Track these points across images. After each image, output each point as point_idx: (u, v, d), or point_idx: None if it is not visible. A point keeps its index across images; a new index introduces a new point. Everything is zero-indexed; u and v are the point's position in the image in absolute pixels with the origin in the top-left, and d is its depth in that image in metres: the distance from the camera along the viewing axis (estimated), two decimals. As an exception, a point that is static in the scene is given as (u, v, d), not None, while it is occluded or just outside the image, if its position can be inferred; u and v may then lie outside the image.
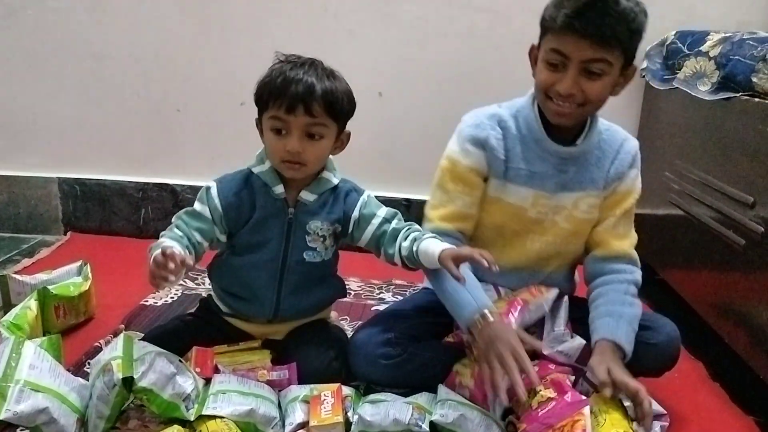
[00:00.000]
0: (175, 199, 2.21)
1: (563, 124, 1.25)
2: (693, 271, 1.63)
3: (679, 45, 1.77)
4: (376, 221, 1.30)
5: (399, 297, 1.81)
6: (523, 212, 1.32)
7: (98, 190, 2.24)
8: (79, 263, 1.63)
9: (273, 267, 1.29)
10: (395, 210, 1.33)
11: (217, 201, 1.26)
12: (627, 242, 1.34)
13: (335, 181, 1.31)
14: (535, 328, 1.30)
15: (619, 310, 1.25)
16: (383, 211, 1.31)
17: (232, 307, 1.36)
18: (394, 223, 1.30)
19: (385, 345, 1.27)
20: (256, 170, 1.28)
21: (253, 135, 2.19)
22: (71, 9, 2.09)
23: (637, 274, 1.33)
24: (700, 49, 1.63)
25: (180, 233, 1.24)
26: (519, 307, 1.23)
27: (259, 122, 1.28)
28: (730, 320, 1.42)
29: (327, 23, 2.07)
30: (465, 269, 1.20)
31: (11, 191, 2.25)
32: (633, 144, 1.35)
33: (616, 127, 1.35)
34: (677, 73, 1.74)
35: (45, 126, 2.20)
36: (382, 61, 2.10)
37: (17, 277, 1.52)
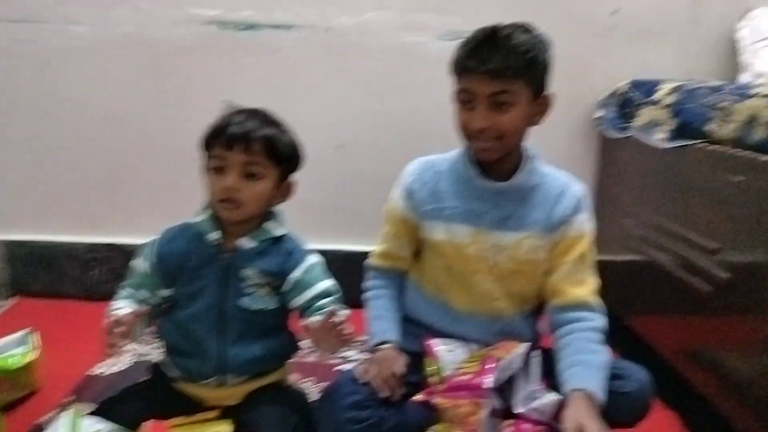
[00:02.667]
0: (126, 259, 2.07)
1: (488, 159, 1.28)
2: (659, 317, 1.62)
3: (633, 94, 1.80)
4: (312, 292, 1.27)
5: (365, 354, 1.75)
6: (464, 249, 1.32)
7: (46, 251, 2.14)
8: (23, 332, 1.53)
9: (212, 315, 1.25)
10: (337, 288, 1.30)
11: (153, 254, 1.27)
12: (586, 289, 1.31)
13: (277, 232, 1.29)
14: (507, 384, 1.26)
15: (587, 359, 1.23)
16: (324, 285, 1.29)
17: (180, 367, 1.30)
18: (325, 301, 1.27)
19: (352, 408, 1.21)
20: (193, 220, 1.28)
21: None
22: (18, 67, 2.03)
23: (600, 321, 1.30)
24: (654, 98, 1.67)
25: (127, 292, 1.28)
26: (493, 366, 1.18)
27: (205, 169, 1.27)
28: (700, 367, 1.41)
29: (284, 78, 2.06)
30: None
31: (-49, 256, 2.14)
32: (578, 188, 1.34)
33: (562, 172, 1.37)
34: (632, 122, 1.76)
35: (-10, 186, 2.11)
36: (342, 115, 2.09)
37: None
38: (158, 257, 1.27)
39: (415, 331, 1.39)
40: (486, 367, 1.19)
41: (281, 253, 1.28)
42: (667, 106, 1.59)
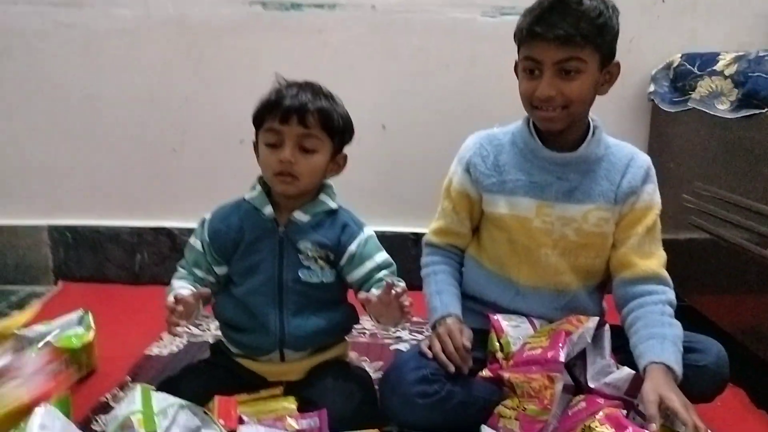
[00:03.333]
0: (172, 242, 2.12)
1: (553, 129, 1.25)
2: (725, 294, 1.57)
3: (688, 67, 1.75)
4: (370, 264, 1.28)
5: (416, 335, 1.73)
6: (529, 223, 1.30)
7: (91, 236, 2.14)
8: (79, 313, 1.53)
9: (270, 288, 1.25)
10: (391, 261, 1.31)
11: (205, 231, 1.28)
12: (655, 261, 1.28)
13: (332, 205, 1.29)
14: (575, 359, 1.23)
15: (661, 332, 1.19)
16: (380, 258, 1.29)
17: (239, 343, 1.30)
18: (382, 274, 1.27)
19: (420, 382, 1.19)
20: (247, 196, 1.30)
21: (253, 173, 2.13)
22: (62, 51, 2.02)
23: (671, 294, 1.27)
24: (714, 68, 1.62)
25: (184, 272, 1.30)
26: (564, 340, 1.15)
27: (256, 145, 1.28)
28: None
29: (327, 58, 2.03)
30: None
31: (-2, 241, 2.15)
32: (644, 158, 1.31)
33: (624, 143, 1.34)
34: (689, 95, 1.72)
35: (34, 171, 2.11)
36: (384, 95, 2.06)
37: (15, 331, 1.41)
38: (211, 234, 1.27)
39: (476, 308, 1.37)
40: (557, 341, 1.17)
41: (336, 226, 1.28)
42: (729, 75, 1.54)
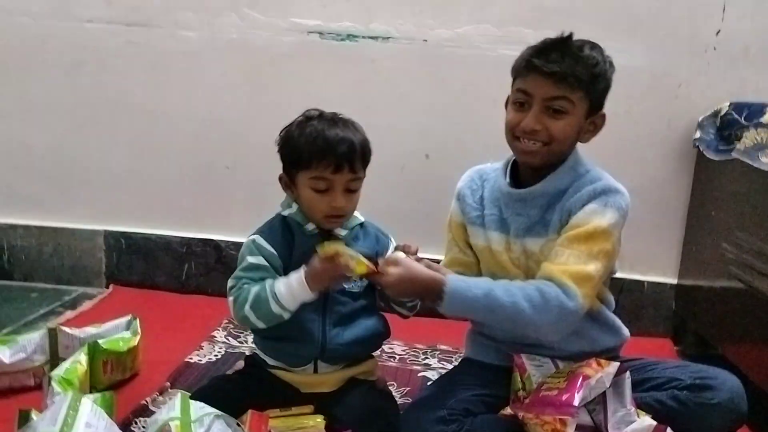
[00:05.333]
0: (218, 254, 2.21)
1: (531, 163, 1.29)
2: (758, 347, 1.56)
3: (736, 116, 1.75)
4: None
5: (445, 363, 1.77)
6: (500, 256, 1.34)
7: (143, 243, 2.25)
8: (128, 317, 1.62)
9: (317, 299, 1.29)
10: None
11: (269, 248, 1.30)
12: (559, 270, 1.20)
13: (361, 218, 1.38)
14: (596, 405, 1.24)
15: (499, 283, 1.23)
16: None
17: (281, 352, 1.34)
18: None
19: (438, 423, 1.21)
20: (286, 213, 1.34)
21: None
22: (130, 67, 2.15)
23: (559, 297, 1.17)
24: (761, 120, 1.62)
25: (255, 284, 1.29)
26: (581, 384, 1.17)
27: (286, 177, 1.34)
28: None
29: (377, 87, 2.10)
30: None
31: (57, 243, 2.27)
32: (605, 185, 1.25)
33: (602, 174, 1.30)
34: (734, 144, 1.72)
35: (95, 179, 2.24)
36: (430, 125, 2.11)
37: (66, 329, 1.51)
38: (276, 249, 1.31)
39: (493, 344, 1.39)
40: (574, 384, 1.18)
41: (370, 237, 1.38)
42: (775, 129, 1.54)
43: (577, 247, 1.21)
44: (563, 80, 1.20)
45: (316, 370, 1.34)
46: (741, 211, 1.68)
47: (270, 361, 1.37)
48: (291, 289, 1.24)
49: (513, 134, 1.27)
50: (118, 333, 1.54)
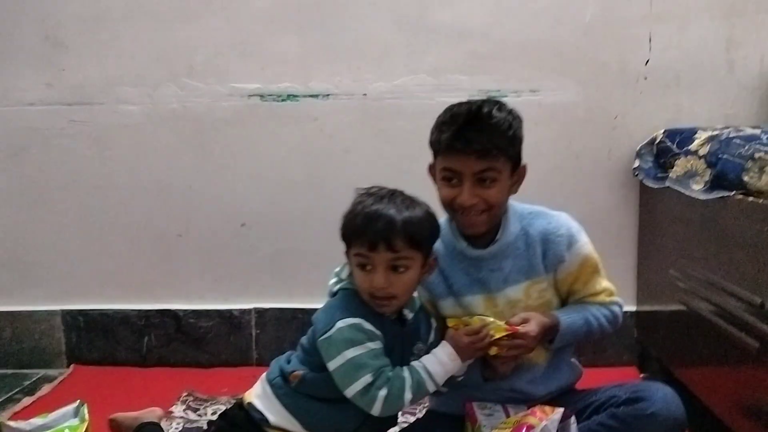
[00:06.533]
0: (177, 324, 2.19)
1: (477, 233, 1.33)
2: (708, 372, 1.57)
3: (669, 144, 1.79)
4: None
5: (408, 416, 1.74)
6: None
7: (101, 320, 2.22)
8: (76, 404, 1.59)
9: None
10: None
11: (375, 329, 1.23)
12: (603, 296, 1.39)
13: (417, 300, 1.35)
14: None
15: (584, 308, 1.37)
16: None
17: (321, 416, 1.27)
18: None
19: None
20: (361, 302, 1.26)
21: (255, 255, 2.21)
22: (75, 146, 2.16)
23: (617, 310, 1.41)
24: (689, 148, 1.65)
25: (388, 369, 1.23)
26: (526, 433, 1.17)
27: (346, 255, 1.29)
28: (751, 424, 1.35)
29: (322, 144, 2.12)
30: None
31: (15, 327, 2.25)
32: (560, 224, 1.36)
33: (538, 209, 1.40)
34: (669, 172, 1.74)
35: (49, 259, 2.23)
36: (379, 175, 2.09)
37: (12, 424, 1.48)
38: (376, 333, 1.23)
39: (458, 395, 1.38)
40: (519, 433, 1.18)
41: (425, 318, 1.36)
42: (703, 156, 1.57)
43: (596, 275, 1.38)
44: (487, 154, 1.25)
45: None
46: (682, 237, 1.70)
47: (289, 424, 1.28)
48: (445, 367, 1.23)
49: (452, 208, 1.31)
50: (66, 421, 1.51)
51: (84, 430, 1.51)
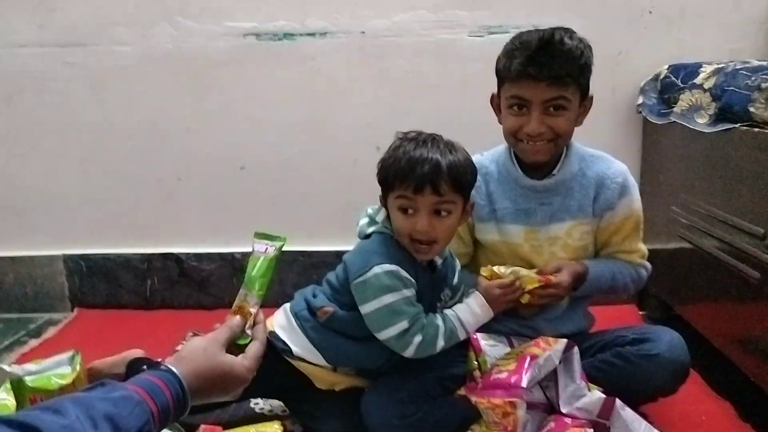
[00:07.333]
0: (180, 267, 2.20)
1: (539, 161, 1.32)
2: (710, 306, 1.58)
3: (673, 79, 1.76)
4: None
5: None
6: (519, 248, 1.38)
7: (103, 264, 2.23)
8: (71, 353, 1.57)
9: None
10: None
11: (410, 278, 1.24)
12: (636, 255, 1.41)
13: (447, 250, 1.35)
14: (548, 381, 1.25)
15: (614, 263, 1.39)
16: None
17: (339, 351, 1.29)
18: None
19: (397, 405, 1.24)
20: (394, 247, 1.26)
21: (255, 198, 2.19)
22: (70, 88, 2.12)
23: (644, 273, 1.42)
24: (695, 81, 1.62)
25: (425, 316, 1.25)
26: (529, 364, 1.18)
27: (383, 199, 1.28)
28: (752, 356, 1.37)
29: (320, 84, 2.08)
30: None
31: (17, 272, 2.25)
32: (618, 171, 1.37)
33: (600, 154, 1.41)
34: (674, 107, 1.72)
35: (49, 204, 2.21)
36: (377, 117, 2.09)
37: (5, 368, 1.45)
38: (411, 281, 1.24)
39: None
40: (522, 365, 1.19)
41: (452, 264, 1.37)
42: (708, 89, 1.54)
43: (636, 234, 1.39)
44: (559, 82, 1.23)
45: (335, 369, 1.32)
46: (685, 173, 1.69)
47: (312, 357, 1.29)
48: (477, 317, 1.26)
49: (515, 137, 1.31)
50: (59, 369, 1.48)
51: (73, 378, 1.48)
